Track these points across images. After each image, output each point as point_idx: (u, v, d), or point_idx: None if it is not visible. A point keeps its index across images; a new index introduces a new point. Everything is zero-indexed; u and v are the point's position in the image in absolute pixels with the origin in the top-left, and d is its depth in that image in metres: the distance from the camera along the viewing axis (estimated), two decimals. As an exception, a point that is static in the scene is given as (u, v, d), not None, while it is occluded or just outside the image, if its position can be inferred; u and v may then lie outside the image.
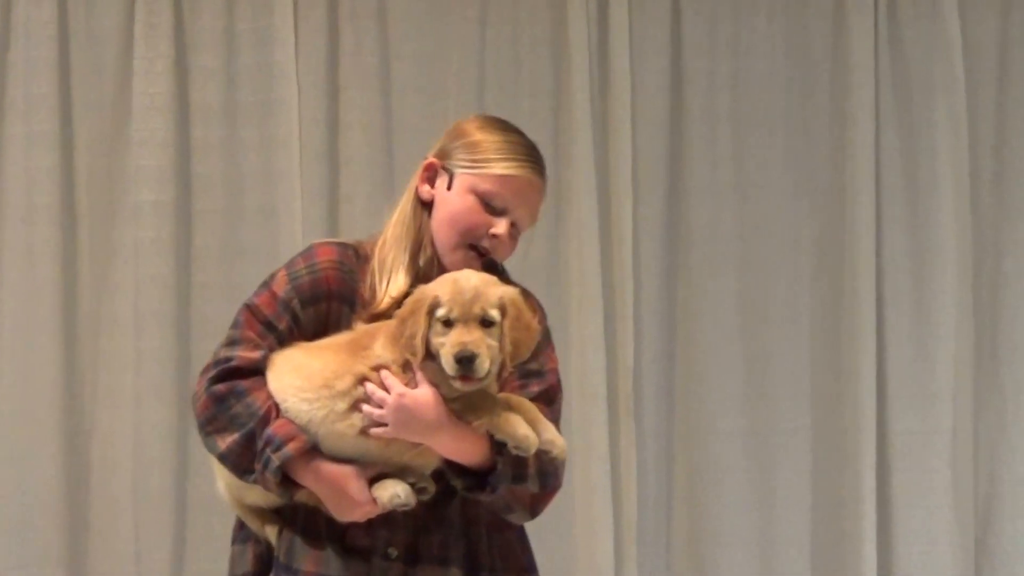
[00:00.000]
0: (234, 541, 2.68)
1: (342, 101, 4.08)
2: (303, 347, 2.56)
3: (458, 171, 2.61)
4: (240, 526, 2.66)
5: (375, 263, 2.61)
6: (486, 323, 2.43)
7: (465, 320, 2.42)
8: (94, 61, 4.02)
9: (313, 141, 4.05)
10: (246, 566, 2.64)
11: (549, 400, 2.59)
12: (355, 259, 2.62)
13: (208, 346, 3.89)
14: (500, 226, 2.59)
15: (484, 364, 2.41)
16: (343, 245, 2.64)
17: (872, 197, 4.14)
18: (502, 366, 2.46)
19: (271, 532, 2.60)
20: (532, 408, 2.52)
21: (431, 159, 2.66)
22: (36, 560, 3.97)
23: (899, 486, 4.15)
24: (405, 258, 2.61)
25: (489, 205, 2.59)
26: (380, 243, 2.64)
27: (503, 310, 2.44)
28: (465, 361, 2.40)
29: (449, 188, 2.62)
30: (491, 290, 2.45)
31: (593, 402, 4.05)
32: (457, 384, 2.44)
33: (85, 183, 4.03)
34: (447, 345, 2.42)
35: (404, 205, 2.67)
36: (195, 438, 3.91)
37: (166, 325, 4.00)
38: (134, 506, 3.99)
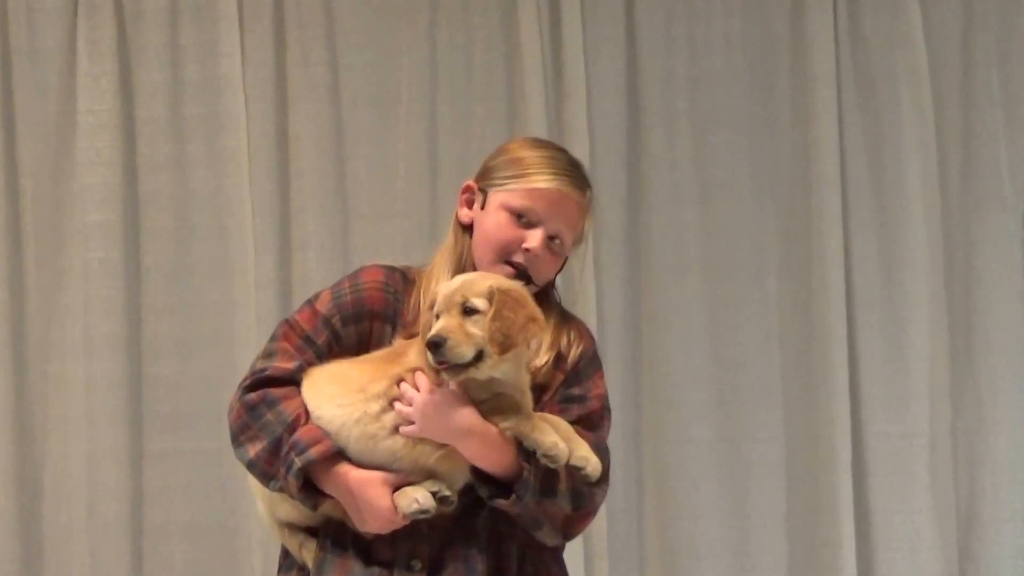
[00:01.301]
0: (279, 570, 2.71)
1: (291, 113, 4.07)
2: (342, 361, 2.60)
3: (491, 190, 2.67)
4: (285, 554, 2.69)
5: (421, 286, 2.66)
6: (469, 311, 2.45)
7: (448, 309, 2.46)
8: (37, 79, 4.02)
9: (262, 155, 4.04)
10: None
11: (592, 426, 2.60)
12: (402, 282, 2.69)
13: (161, 368, 3.99)
14: (533, 239, 2.62)
15: (457, 349, 2.42)
16: (391, 268, 2.71)
17: (838, 194, 4.09)
18: (499, 351, 2.45)
19: (308, 555, 2.61)
20: (568, 427, 2.53)
21: (468, 182, 2.72)
22: (-13, 594, 3.93)
23: (877, 491, 4.09)
24: (446, 271, 2.66)
25: (522, 219, 2.63)
26: (428, 269, 2.70)
27: (491, 298, 2.45)
28: (433, 346, 2.42)
29: (483, 207, 2.66)
30: (481, 281, 2.49)
31: (558, 412, 3.99)
32: (445, 375, 2.46)
33: (30, 205, 4.02)
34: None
35: (449, 231, 2.73)
36: (150, 461, 3.96)
37: (117, 347, 3.99)
38: (88, 534, 3.96)
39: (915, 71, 4.11)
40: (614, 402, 3.95)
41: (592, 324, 4.01)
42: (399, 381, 2.51)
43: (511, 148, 2.70)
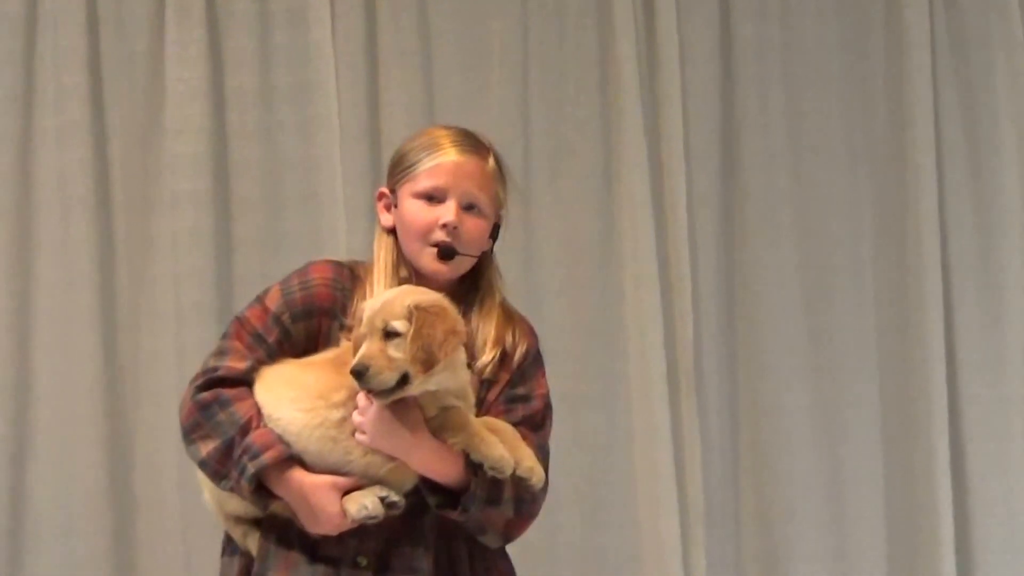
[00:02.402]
0: (223, 553, 2.77)
1: (382, 80, 4.05)
2: (292, 363, 2.67)
3: (398, 187, 2.74)
4: (228, 539, 2.75)
5: (366, 286, 2.72)
6: (390, 335, 2.52)
7: (370, 334, 2.52)
8: (125, 49, 3.99)
9: (353, 122, 4.02)
10: None
11: (535, 425, 2.68)
12: (350, 278, 2.74)
13: None
14: (447, 213, 2.69)
15: (379, 377, 2.48)
16: (339, 264, 2.76)
17: (933, 159, 4.13)
18: (425, 370, 2.51)
19: (252, 543, 2.68)
20: (514, 434, 2.61)
21: (381, 189, 2.79)
22: (82, 568, 3.91)
23: (974, 456, 4.14)
24: (383, 280, 2.71)
25: (432, 200, 2.69)
26: (366, 268, 2.76)
27: (410, 318, 2.51)
28: (356, 375, 2.49)
29: (396, 207, 2.73)
30: (400, 300, 2.54)
31: (653, 380, 4.02)
32: (376, 399, 2.53)
33: (119, 174, 3.99)
34: None
35: (375, 240, 2.79)
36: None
37: (208, 318, 3.95)
38: (181, 508, 3.93)
39: (1010, 37, 4.16)
40: (708, 369, 4.11)
41: (686, 291, 4.09)
42: (356, 393, 2.58)
43: (403, 145, 2.79)
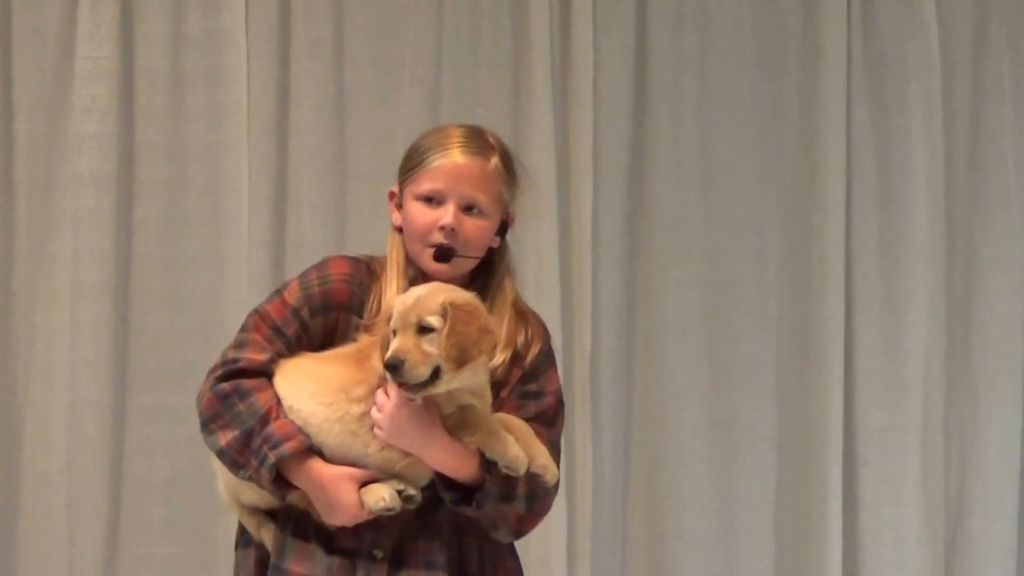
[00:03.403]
0: (237, 546, 2.78)
1: (293, 71, 4.07)
2: (313, 356, 2.69)
3: (404, 188, 2.75)
4: (242, 530, 2.76)
5: (382, 283, 2.74)
6: (424, 329, 2.54)
7: (404, 328, 2.54)
8: (36, 23, 4.01)
9: (262, 111, 4.04)
10: (249, 570, 2.73)
11: (547, 422, 2.69)
12: (367, 273, 2.75)
13: (148, 320, 4.01)
14: (446, 215, 2.68)
15: (414, 370, 2.51)
16: (356, 260, 2.77)
17: (843, 181, 4.14)
18: (461, 367, 2.53)
19: (267, 535, 2.69)
20: (528, 431, 2.63)
21: (392, 188, 2.80)
22: (-37, 541, 3.96)
23: (867, 482, 4.15)
24: (392, 283, 2.72)
25: (431, 202, 2.70)
26: (380, 262, 2.77)
27: (445, 315, 2.54)
28: (391, 368, 2.51)
29: (402, 207, 2.75)
30: (434, 297, 2.57)
31: (548, 388, 4.01)
32: (407, 394, 2.54)
33: (24, 150, 4.01)
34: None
35: (388, 239, 2.80)
36: (132, 415, 3.97)
37: (104, 298, 3.99)
38: (67, 485, 3.96)
39: (927, 61, 4.16)
40: (604, 378, 4.10)
41: (587, 300, 4.09)
42: (378, 388, 2.60)
43: (414, 142, 2.78)
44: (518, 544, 3.90)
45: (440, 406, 2.59)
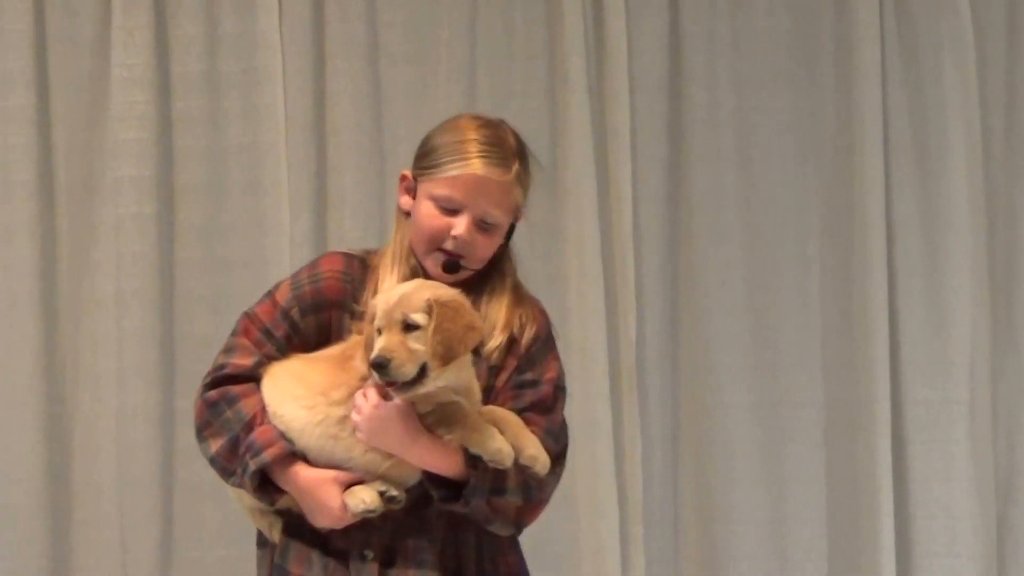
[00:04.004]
0: (258, 545, 2.80)
1: (328, 71, 4.10)
2: (301, 358, 2.70)
3: (419, 179, 2.73)
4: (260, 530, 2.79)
5: (377, 274, 2.74)
6: (410, 327, 2.53)
7: (389, 327, 2.53)
8: (71, 32, 4.05)
9: (299, 112, 4.07)
10: (266, 570, 2.75)
11: (545, 410, 2.69)
12: (360, 269, 2.74)
13: (193, 324, 4.03)
14: (459, 226, 2.68)
15: (401, 368, 2.51)
16: (350, 256, 2.77)
17: (880, 159, 4.15)
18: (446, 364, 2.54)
19: (276, 534, 2.72)
20: (516, 422, 2.62)
21: (405, 172, 2.79)
22: (19, 550, 3.98)
23: (916, 458, 4.16)
24: (393, 269, 2.73)
25: (445, 208, 2.69)
26: (379, 255, 2.77)
27: (430, 312, 2.53)
28: (377, 367, 2.51)
29: (414, 197, 2.73)
30: (419, 294, 2.56)
31: (595, 377, 4.05)
32: (394, 393, 2.55)
33: (63, 159, 4.05)
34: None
35: (393, 220, 2.81)
36: (180, 420, 4.00)
37: (148, 304, 4.02)
38: (119, 492, 4.00)
39: (959, 37, 4.17)
40: (651, 365, 4.12)
41: (630, 287, 4.12)
42: (356, 391, 2.61)
43: (439, 133, 2.76)
44: (568, 534, 4.03)
45: (417, 405, 2.59)
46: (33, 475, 3.98)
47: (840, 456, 4.16)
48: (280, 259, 4.02)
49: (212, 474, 3.93)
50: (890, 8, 4.19)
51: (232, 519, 4.00)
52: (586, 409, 4.03)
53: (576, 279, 4.09)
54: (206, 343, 4.00)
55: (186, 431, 3.98)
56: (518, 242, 3.70)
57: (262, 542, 2.76)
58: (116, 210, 4.01)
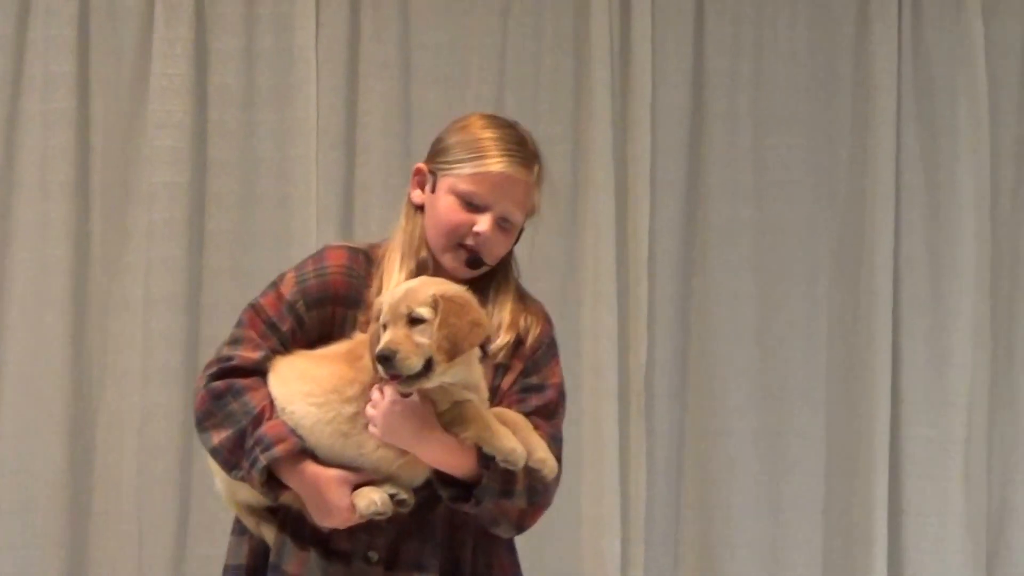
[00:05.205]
0: (233, 532, 2.80)
1: (361, 89, 4.17)
2: (305, 355, 2.69)
3: (440, 173, 2.71)
4: (237, 519, 2.79)
5: (381, 268, 2.73)
6: (415, 321, 2.53)
7: (394, 321, 2.53)
8: (113, 40, 4.13)
9: (331, 128, 4.14)
10: (241, 558, 2.75)
11: (548, 414, 2.69)
12: (365, 263, 2.73)
13: (218, 329, 4.02)
14: (482, 223, 2.67)
15: (406, 361, 2.50)
16: (354, 250, 2.76)
17: (892, 201, 4.22)
18: (448, 359, 2.54)
19: (267, 532, 2.72)
20: (526, 424, 2.63)
21: (419, 164, 2.76)
22: (37, 541, 4.06)
23: (911, 493, 4.22)
24: (402, 262, 2.71)
25: (469, 204, 2.68)
26: (384, 248, 2.76)
27: (436, 307, 2.54)
28: (382, 359, 2.50)
29: (433, 191, 2.71)
30: (424, 289, 2.56)
31: (604, 399, 4.12)
32: (398, 387, 2.54)
33: (100, 163, 4.13)
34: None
35: (402, 211, 2.78)
36: (202, 422, 4.06)
37: (176, 308, 4.09)
38: (138, 489, 4.07)
39: (974, 84, 4.23)
40: (659, 389, 4.17)
41: (643, 313, 4.18)
42: (370, 387, 2.60)
43: (458, 129, 2.73)
44: (571, 550, 4.09)
45: (435, 402, 2.57)
46: (56, 468, 4.05)
47: (838, 487, 4.22)
48: (305, 271, 4.10)
49: (229, 474, 4.09)
50: (908, 56, 4.24)
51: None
52: (595, 429, 4.11)
53: (591, 302, 4.16)
54: (230, 348, 4.13)
55: (206, 432, 4.11)
56: (536, 260, 3.82)
57: (240, 530, 2.75)
58: (149, 215, 4.08)
